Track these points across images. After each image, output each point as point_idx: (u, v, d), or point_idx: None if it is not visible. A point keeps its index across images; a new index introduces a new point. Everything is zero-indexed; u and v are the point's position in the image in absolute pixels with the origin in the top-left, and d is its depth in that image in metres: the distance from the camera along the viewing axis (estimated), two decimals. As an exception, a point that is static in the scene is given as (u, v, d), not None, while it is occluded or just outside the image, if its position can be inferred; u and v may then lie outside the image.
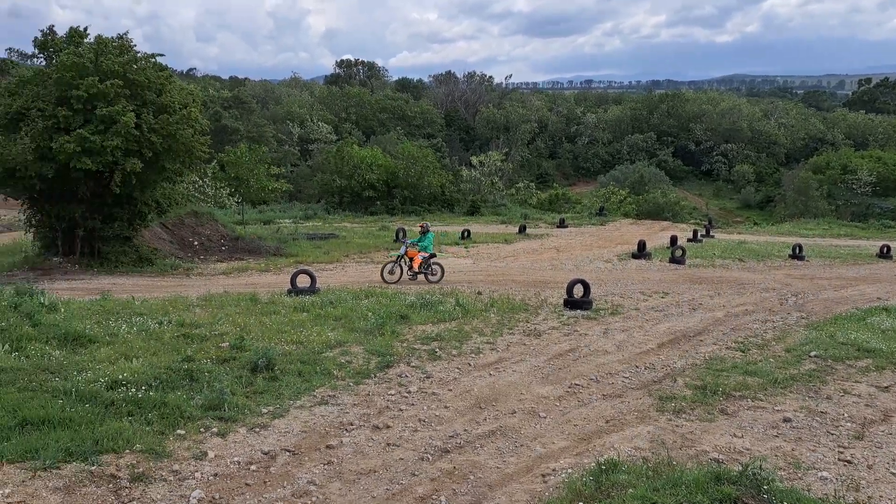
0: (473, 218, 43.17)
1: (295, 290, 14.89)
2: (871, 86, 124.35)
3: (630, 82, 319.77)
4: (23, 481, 5.46)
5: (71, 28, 22.02)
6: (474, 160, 58.74)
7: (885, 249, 27.42)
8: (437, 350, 10.27)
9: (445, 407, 7.94)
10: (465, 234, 29.83)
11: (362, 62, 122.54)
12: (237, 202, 39.20)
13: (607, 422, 7.75)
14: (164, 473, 5.94)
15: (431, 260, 18.32)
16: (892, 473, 6.58)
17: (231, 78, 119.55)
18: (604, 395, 8.71)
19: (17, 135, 19.69)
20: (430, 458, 6.55)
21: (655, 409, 8.19)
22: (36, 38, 22.14)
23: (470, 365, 9.69)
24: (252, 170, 35.90)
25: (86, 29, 22.10)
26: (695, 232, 33.74)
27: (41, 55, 22.39)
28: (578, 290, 14.62)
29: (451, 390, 8.55)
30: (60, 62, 20.07)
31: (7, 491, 5.22)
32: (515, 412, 7.95)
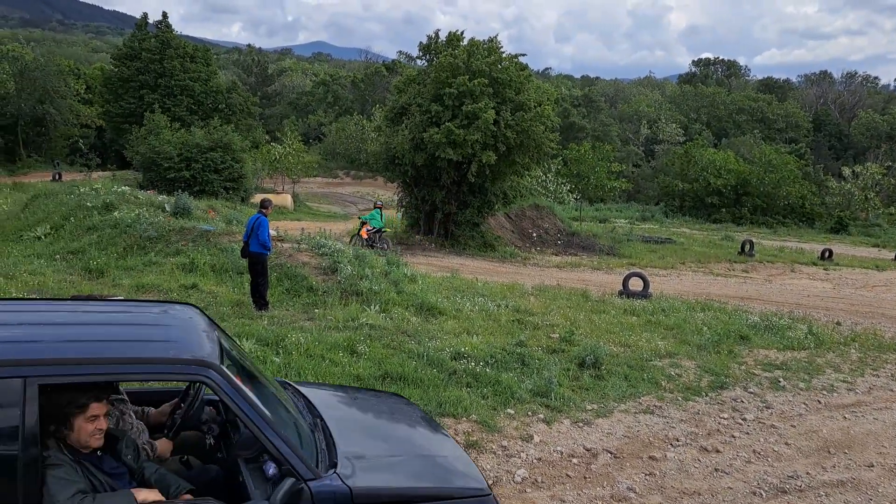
0: (838, 237, 38.01)
1: (626, 292, 14.76)
2: None
3: None
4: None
5: (450, 32, 24.70)
6: (846, 171, 51.53)
7: None
8: (781, 380, 9.28)
9: (786, 443, 7.15)
10: (827, 254, 26.37)
11: (721, 60, 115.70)
12: (575, 198, 40.19)
13: None
14: (493, 447, 6.39)
15: (379, 235, 19.94)
16: None
17: (583, 77, 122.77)
18: None
19: (399, 126, 22.85)
20: (764, 494, 5.96)
21: None
22: (421, 42, 25.32)
23: (820, 403, 8.56)
24: (594, 167, 36.46)
25: (462, 33, 24.58)
26: None
27: (424, 57, 25.51)
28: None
29: (794, 426, 7.67)
30: (439, 62, 22.67)
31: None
32: (873, 466, 6.82)
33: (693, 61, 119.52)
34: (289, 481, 3.02)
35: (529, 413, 7.25)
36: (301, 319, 9.99)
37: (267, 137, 53.91)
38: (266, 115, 71.63)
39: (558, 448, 6.51)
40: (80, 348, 3.10)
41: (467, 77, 21.48)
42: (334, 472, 3.24)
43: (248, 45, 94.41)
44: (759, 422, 7.72)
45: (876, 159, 64.34)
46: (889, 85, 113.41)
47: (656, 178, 52.97)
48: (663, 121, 75.24)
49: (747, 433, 7.36)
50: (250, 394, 3.23)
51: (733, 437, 7.22)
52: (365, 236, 19.78)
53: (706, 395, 8.42)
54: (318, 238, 13.89)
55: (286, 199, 36.28)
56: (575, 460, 6.30)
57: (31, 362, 2.87)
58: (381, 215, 20.74)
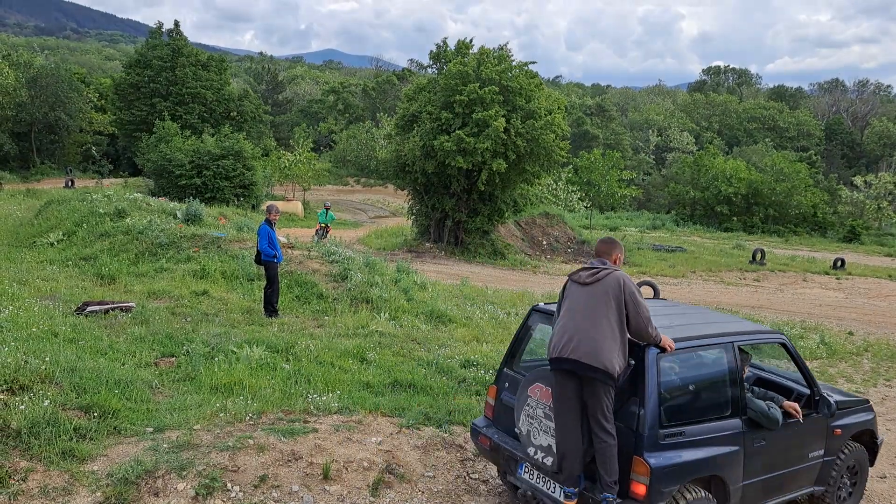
0: (850, 246, 37.75)
1: (637, 300, 14.71)
2: None
3: None
4: (391, 434, 6.33)
5: (459, 41, 24.79)
6: (858, 180, 51.26)
7: None
8: (792, 389, 9.21)
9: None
10: (839, 263, 26.19)
11: (732, 68, 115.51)
12: (586, 206, 40.17)
13: None
14: (502, 455, 6.36)
15: (323, 230, 22.73)
16: None
17: (593, 85, 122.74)
18: None
19: (410, 134, 22.92)
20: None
21: None
22: (431, 50, 25.45)
23: (832, 413, 8.49)
24: (604, 175, 36.44)
25: (471, 41, 24.66)
26: None
27: (434, 65, 25.62)
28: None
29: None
30: (448, 70, 22.74)
31: (380, 439, 6.11)
32: (886, 478, 6.77)
33: (704, 69, 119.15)
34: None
35: (539, 421, 7.22)
36: (311, 326, 10.01)
37: (277, 145, 54.21)
38: (277, 123, 72.04)
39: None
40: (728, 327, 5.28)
41: (477, 85, 21.54)
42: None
43: (261, 53, 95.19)
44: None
45: (889, 168, 63.90)
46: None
47: (667, 186, 52.83)
48: (674, 129, 75.12)
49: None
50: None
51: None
52: (319, 232, 22.98)
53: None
54: (329, 245, 13.93)
55: (296, 207, 36.41)
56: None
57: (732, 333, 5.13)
58: (327, 214, 23.70)
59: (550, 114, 22.65)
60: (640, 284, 15.04)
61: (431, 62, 26.52)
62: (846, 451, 5.72)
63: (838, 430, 5.63)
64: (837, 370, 10.49)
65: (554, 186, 40.35)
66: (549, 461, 4.53)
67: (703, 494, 4.54)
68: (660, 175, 65.15)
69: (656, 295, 15.49)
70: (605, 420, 4.31)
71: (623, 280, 4.44)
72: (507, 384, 5.29)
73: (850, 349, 11.91)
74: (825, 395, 5.49)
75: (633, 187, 42.46)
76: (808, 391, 5.53)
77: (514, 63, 23.57)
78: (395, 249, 23.08)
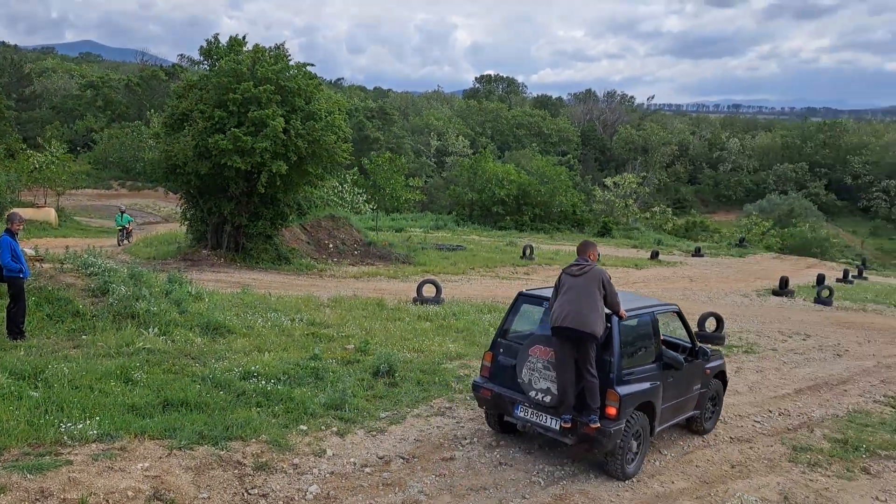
0: (603, 240, 42.24)
1: (420, 298, 15.18)
2: None
3: (783, 108, 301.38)
4: (160, 458, 5.89)
5: (231, 37, 23.74)
6: (608, 181, 57.61)
7: None
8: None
9: (561, 432, 7.77)
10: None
11: (502, 77, 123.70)
12: (372, 209, 40.65)
13: (732, 467, 7.28)
14: (284, 465, 6.21)
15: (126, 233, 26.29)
16: None
17: (375, 88, 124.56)
18: (731, 437, 8.20)
19: (180, 133, 21.48)
20: (542, 482, 6.42)
21: (787, 458, 7.61)
22: (202, 46, 24.08)
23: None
24: (390, 179, 37.14)
25: (244, 38, 23.74)
26: (845, 272, 31.16)
27: (205, 62, 24.29)
28: (711, 324, 13.89)
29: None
30: (220, 68, 21.69)
31: (146, 465, 5.65)
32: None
33: (477, 77, 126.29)
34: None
35: (323, 427, 7.17)
36: (66, 348, 8.99)
37: (25, 145, 48.03)
38: (24, 120, 63.88)
39: (352, 459, 6.50)
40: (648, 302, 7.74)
41: (252, 83, 20.80)
42: None
43: (2, 43, 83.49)
44: (539, 414, 8.31)
45: (633, 170, 72.68)
46: (643, 104, 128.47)
47: (448, 188, 55.21)
48: (452, 134, 78.72)
49: (528, 426, 7.89)
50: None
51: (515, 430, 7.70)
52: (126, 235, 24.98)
53: (492, 394, 8.89)
54: (85, 256, 12.57)
55: (49, 214, 32.55)
56: (368, 470, 6.33)
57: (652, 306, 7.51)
58: (122, 217, 26.40)
59: (331, 115, 22.52)
60: (424, 283, 15.45)
61: (203, 58, 25.07)
62: (711, 384, 8.13)
63: (708, 371, 8.05)
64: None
65: (340, 189, 40.32)
66: (548, 399, 6.48)
67: (642, 415, 6.66)
68: (441, 178, 67.93)
69: (438, 293, 16.04)
70: (591, 367, 6.32)
71: (601, 273, 6.57)
72: (501, 350, 7.21)
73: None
74: (702, 347, 8.02)
75: (417, 192, 43.79)
76: (690, 345, 7.96)
77: (291, 63, 23.08)
78: (168, 258, 21.52)
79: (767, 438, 8.27)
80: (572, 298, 6.44)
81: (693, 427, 8.08)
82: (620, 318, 6.62)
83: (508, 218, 45.92)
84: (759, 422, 8.86)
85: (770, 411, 9.36)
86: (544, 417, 6.58)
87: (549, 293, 7.09)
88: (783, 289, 22.96)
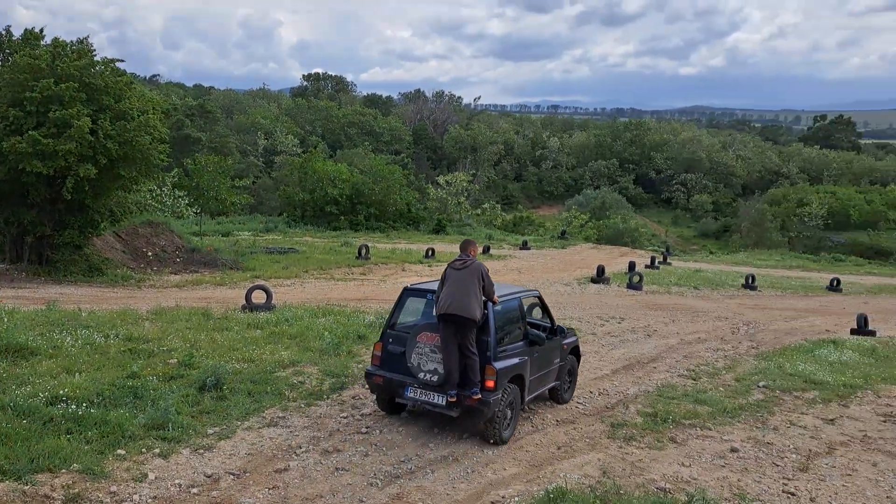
0: (438, 237, 43.18)
1: (250, 306, 14.59)
2: (825, 122, 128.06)
3: (595, 109, 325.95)
4: (-53, 503, 5.20)
5: (26, 30, 21.52)
6: (441, 179, 58.96)
7: (836, 282, 28.20)
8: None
9: (398, 431, 7.84)
10: (430, 252, 29.78)
11: (330, 76, 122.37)
12: (196, 213, 38.58)
13: (559, 448, 7.73)
14: (100, 495, 5.72)
15: None
16: (835, 507, 6.69)
17: (196, 86, 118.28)
18: (557, 420, 8.71)
19: (-33, 136, 19.06)
20: (379, 484, 6.43)
21: (607, 435, 8.22)
22: (-9, 38, 21.59)
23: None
24: (213, 181, 35.42)
25: (42, 30, 21.61)
26: (652, 259, 34.25)
27: (-3, 57, 21.79)
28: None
29: (407, 413, 8.45)
30: (14, 63, 19.56)
31: (-72, 513, 4.96)
32: (466, 437, 7.88)
33: (304, 76, 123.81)
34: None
35: (144, 450, 6.68)
36: None
37: None
38: None
39: (177, 481, 6.12)
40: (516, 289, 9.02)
41: (52, 81, 18.91)
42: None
43: None
44: (376, 414, 8.33)
45: (464, 168, 75.05)
46: (470, 104, 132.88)
47: (277, 189, 53.63)
48: (280, 133, 76.67)
49: (367, 427, 7.88)
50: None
51: (352, 434, 7.66)
52: None
53: (328, 398, 8.78)
54: None
55: None
56: (195, 490, 5.99)
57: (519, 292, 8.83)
58: None
59: (145, 114, 21.02)
60: (253, 289, 14.86)
61: (-7, 53, 22.44)
62: (568, 359, 9.32)
63: (565, 346, 9.26)
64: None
65: (158, 192, 37.81)
66: (435, 378, 7.34)
67: (514, 387, 7.70)
68: (270, 178, 65.90)
69: (269, 299, 15.52)
70: (471, 346, 7.31)
71: (481, 266, 7.54)
72: (390, 340, 7.95)
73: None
74: (559, 326, 9.19)
75: (244, 194, 42.10)
76: (550, 325, 9.15)
77: (97, 59, 21.26)
78: (-43, 275, 19.04)
79: (589, 418, 8.88)
80: (455, 289, 7.35)
81: (555, 397, 9.29)
82: (494, 303, 7.63)
83: (343, 218, 45.49)
84: (581, 403, 9.50)
85: (591, 392, 10.07)
86: (432, 395, 7.44)
87: (431, 286, 8.14)
88: (600, 276, 24.80)
